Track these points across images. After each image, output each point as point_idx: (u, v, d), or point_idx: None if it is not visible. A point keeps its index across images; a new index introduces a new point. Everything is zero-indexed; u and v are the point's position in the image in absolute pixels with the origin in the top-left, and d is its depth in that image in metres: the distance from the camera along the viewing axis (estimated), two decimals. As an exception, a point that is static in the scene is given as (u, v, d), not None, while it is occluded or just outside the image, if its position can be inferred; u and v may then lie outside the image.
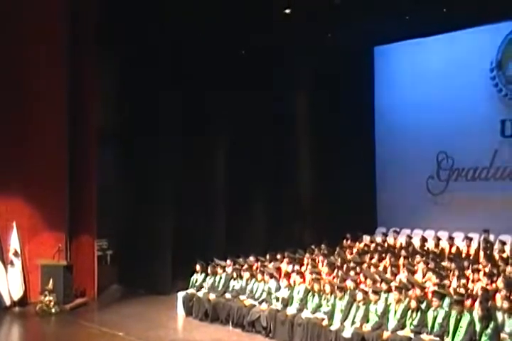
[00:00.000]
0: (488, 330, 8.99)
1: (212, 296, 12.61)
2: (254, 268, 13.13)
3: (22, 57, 13.72)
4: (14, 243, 13.74)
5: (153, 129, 15.31)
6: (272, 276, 12.17)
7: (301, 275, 12.02)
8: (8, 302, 13.56)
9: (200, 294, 12.87)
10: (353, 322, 10.39)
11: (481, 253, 13.21)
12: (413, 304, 9.88)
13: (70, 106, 14.10)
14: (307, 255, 13.88)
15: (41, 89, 13.86)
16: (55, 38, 13.90)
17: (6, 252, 13.68)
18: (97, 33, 14.40)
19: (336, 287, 10.97)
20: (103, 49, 14.76)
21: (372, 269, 12.14)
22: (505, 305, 9.27)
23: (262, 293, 12.11)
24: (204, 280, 13.17)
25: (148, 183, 15.36)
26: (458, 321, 9.32)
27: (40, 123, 13.90)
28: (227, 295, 12.58)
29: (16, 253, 13.73)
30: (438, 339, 9.43)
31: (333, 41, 16.79)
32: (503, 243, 13.47)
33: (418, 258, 12.63)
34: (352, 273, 11.94)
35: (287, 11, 15.37)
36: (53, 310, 13.16)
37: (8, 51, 13.64)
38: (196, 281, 13.28)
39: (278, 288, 11.90)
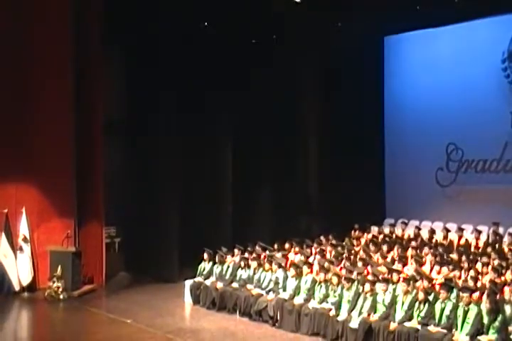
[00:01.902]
0: (496, 323, 8.98)
1: (219, 285, 12.66)
2: (262, 257, 13.16)
3: (29, 57, 13.90)
4: (23, 229, 13.87)
5: (159, 117, 15.49)
6: (279, 266, 12.19)
7: (309, 265, 12.04)
8: (17, 288, 13.70)
9: (207, 282, 12.93)
10: (360, 313, 10.40)
11: (490, 246, 13.16)
12: (421, 296, 9.88)
13: (77, 99, 14.22)
14: (315, 245, 13.88)
15: (50, 84, 14.03)
16: (61, 38, 14.01)
17: (15, 238, 13.79)
18: (102, 33, 14.47)
19: (343, 278, 10.99)
20: (108, 46, 14.84)
21: (381, 260, 12.16)
22: (514, 298, 9.27)
23: (269, 283, 12.14)
24: (212, 268, 13.21)
25: (156, 171, 15.42)
26: (465, 313, 9.31)
27: (49, 114, 14.07)
28: (235, 284, 12.62)
29: (25, 239, 13.84)
30: (445, 331, 9.42)
31: (343, 31, 16.71)
32: (513, 236, 13.43)
33: (426, 249, 12.60)
34: (360, 264, 11.95)
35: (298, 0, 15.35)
36: (61, 296, 13.29)
37: (16, 50, 13.80)
38: (204, 270, 13.32)
39: (285, 278, 11.92)
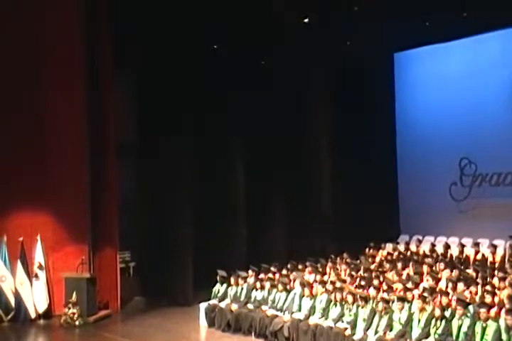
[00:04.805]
0: (516, 339, 8.82)
1: (234, 307, 12.57)
2: (276, 278, 13.06)
3: (43, 81, 14.06)
4: (39, 256, 13.93)
5: (171, 140, 15.48)
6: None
7: (324, 284, 11.91)
8: (33, 315, 13.71)
9: (222, 305, 12.84)
10: (376, 332, 10.25)
11: (507, 261, 12.97)
12: (437, 312, 9.69)
13: (89, 123, 14.29)
14: (329, 264, 13.77)
15: (62, 108, 14.13)
16: (74, 62, 14.17)
17: (30, 265, 13.86)
18: (113, 56, 14.67)
19: (358, 296, 10.86)
20: (119, 68, 15.06)
21: (396, 278, 12.01)
22: (532, 313, 9.07)
23: (284, 303, 12.03)
24: (226, 290, 13.13)
25: (168, 194, 15.43)
26: (484, 330, 9.12)
27: (61, 139, 14.17)
28: (250, 306, 12.53)
29: (40, 267, 13.89)
30: (463, 348, 9.26)
31: (352, 48, 16.75)
32: (530, 249, 13.25)
33: (442, 265, 12.43)
34: (375, 282, 11.80)
35: (306, 20, 15.42)
36: (77, 323, 13.27)
37: (30, 76, 13.99)
38: (218, 292, 13.24)
39: (300, 298, 11.80)
